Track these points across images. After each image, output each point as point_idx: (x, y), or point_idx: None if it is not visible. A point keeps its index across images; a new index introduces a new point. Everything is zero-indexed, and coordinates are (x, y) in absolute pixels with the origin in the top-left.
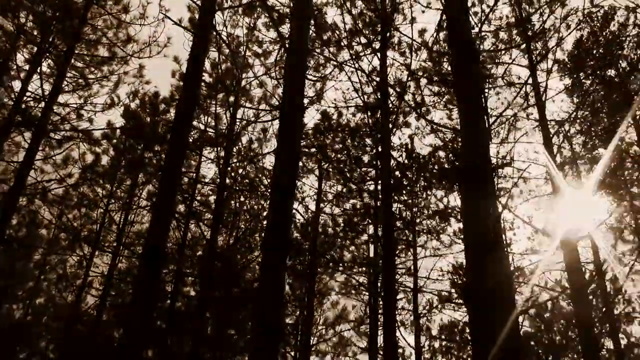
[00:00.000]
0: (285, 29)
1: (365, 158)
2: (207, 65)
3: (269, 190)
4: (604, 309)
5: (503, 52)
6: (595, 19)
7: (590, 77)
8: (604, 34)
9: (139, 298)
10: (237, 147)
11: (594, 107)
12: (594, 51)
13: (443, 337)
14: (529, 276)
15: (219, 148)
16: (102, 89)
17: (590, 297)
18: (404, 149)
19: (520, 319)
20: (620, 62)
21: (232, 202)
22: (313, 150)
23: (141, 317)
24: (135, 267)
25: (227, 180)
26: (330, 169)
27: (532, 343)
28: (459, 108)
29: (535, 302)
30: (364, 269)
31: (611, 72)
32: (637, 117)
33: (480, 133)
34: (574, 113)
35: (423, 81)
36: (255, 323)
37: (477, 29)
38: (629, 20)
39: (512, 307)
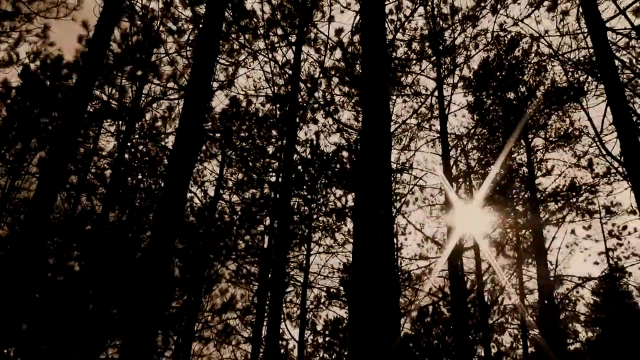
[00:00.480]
0: (202, 8)
1: (270, 149)
2: (117, 34)
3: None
4: (479, 318)
5: (414, 62)
6: (502, 42)
7: (491, 97)
8: (509, 58)
9: (15, 267)
10: (139, 123)
11: (491, 126)
12: (498, 73)
13: (327, 332)
14: (414, 280)
15: (120, 122)
16: (1, 44)
17: (469, 305)
18: (308, 145)
19: (402, 321)
20: (520, 86)
21: (129, 178)
22: (218, 135)
23: (17, 288)
24: (17, 235)
25: (126, 156)
26: (234, 156)
27: (411, 345)
28: (363, 110)
29: (417, 306)
30: (256, 259)
31: (510, 95)
32: (529, 139)
33: (381, 138)
34: (473, 129)
35: (335, 80)
36: (137, 305)
37: (391, 36)
38: (532, 47)
39: (394, 309)
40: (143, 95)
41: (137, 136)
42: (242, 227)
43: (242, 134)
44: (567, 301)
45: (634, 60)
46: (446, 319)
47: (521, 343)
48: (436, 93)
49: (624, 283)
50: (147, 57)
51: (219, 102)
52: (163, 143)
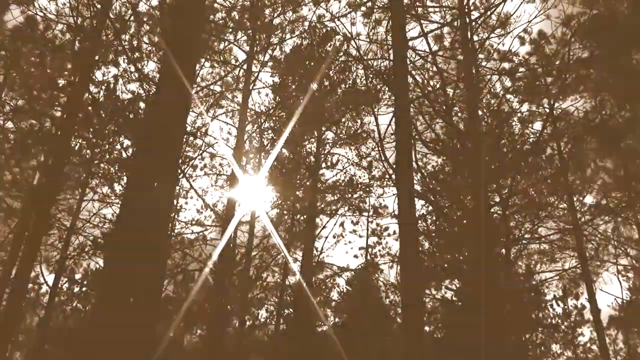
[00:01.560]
0: None
1: (61, 82)
2: None
3: None
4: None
5: (230, 30)
6: (317, 34)
7: (295, 83)
8: (320, 50)
9: None
10: None
11: (290, 111)
12: (307, 62)
13: (86, 282)
14: (186, 245)
15: None
16: None
17: (235, 277)
18: (104, 87)
19: (166, 282)
20: (325, 80)
21: None
22: (3, 52)
23: None
24: None
25: None
26: (17, 80)
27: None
28: (164, 65)
29: (184, 269)
30: (21, 194)
31: (314, 86)
32: (322, 132)
33: (175, 97)
34: (273, 110)
35: (146, 27)
36: None
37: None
38: (342, 46)
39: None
40: None
41: None
42: (12, 157)
43: (33, 58)
44: (324, 286)
45: (425, 82)
46: (210, 286)
47: (275, 320)
48: (245, 66)
49: (375, 278)
50: None
51: (13, 17)
52: None
